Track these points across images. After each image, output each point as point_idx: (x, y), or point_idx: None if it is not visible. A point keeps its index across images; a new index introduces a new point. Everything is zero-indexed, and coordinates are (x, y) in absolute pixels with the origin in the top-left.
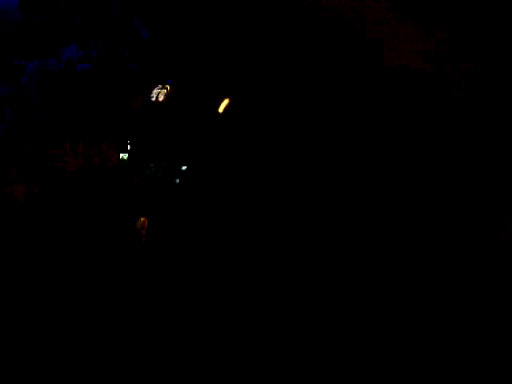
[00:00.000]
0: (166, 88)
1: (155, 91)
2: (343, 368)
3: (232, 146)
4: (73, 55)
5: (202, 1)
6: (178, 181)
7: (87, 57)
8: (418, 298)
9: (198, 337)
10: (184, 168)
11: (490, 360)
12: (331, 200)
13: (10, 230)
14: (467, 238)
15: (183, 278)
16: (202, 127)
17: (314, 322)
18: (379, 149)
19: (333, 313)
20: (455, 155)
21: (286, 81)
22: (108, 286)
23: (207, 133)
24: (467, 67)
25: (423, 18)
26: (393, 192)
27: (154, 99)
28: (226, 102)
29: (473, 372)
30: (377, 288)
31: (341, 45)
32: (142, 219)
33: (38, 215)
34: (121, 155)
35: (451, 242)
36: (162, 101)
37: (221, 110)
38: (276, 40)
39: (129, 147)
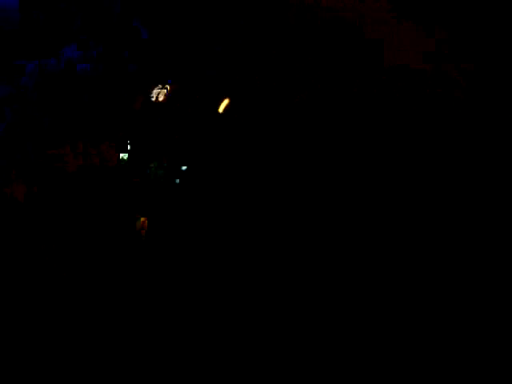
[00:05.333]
0: (166, 88)
1: (155, 91)
2: (343, 368)
3: (232, 146)
4: (73, 55)
5: (202, 1)
6: (178, 181)
7: (87, 57)
8: (418, 297)
9: (198, 336)
10: (184, 168)
11: (490, 360)
12: (331, 200)
13: (9, 229)
14: (467, 237)
15: (183, 279)
16: (202, 127)
17: (314, 322)
18: (379, 149)
19: (333, 312)
20: (455, 155)
21: (286, 81)
22: (108, 285)
23: (207, 133)
24: (467, 67)
25: (423, 18)
26: (393, 193)
27: (154, 99)
28: (225, 101)
29: (473, 372)
30: (377, 287)
31: (340, 45)
32: (142, 219)
33: (38, 215)
34: (121, 155)
35: (452, 242)
36: (162, 101)
37: (221, 109)
38: (276, 40)
39: (129, 147)
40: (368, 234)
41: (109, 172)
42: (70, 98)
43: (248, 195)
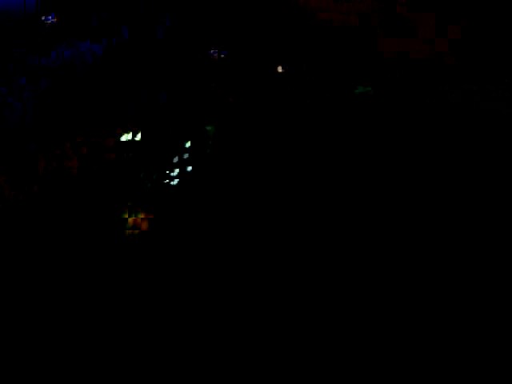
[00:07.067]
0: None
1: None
2: (343, 368)
3: (231, 146)
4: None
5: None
6: (177, 181)
7: (97, 48)
8: (418, 297)
9: (198, 336)
10: (189, 169)
11: (490, 360)
12: (331, 199)
13: (10, 229)
14: (466, 234)
15: (182, 277)
16: (202, 125)
17: (314, 321)
18: (378, 141)
19: (333, 312)
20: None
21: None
22: (106, 284)
23: (207, 131)
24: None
25: None
26: (392, 184)
27: None
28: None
29: (473, 372)
30: (377, 287)
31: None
32: (139, 218)
33: (38, 215)
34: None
35: (451, 240)
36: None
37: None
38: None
39: (139, 136)
40: (367, 233)
41: (109, 168)
42: (74, 91)
43: (246, 194)
